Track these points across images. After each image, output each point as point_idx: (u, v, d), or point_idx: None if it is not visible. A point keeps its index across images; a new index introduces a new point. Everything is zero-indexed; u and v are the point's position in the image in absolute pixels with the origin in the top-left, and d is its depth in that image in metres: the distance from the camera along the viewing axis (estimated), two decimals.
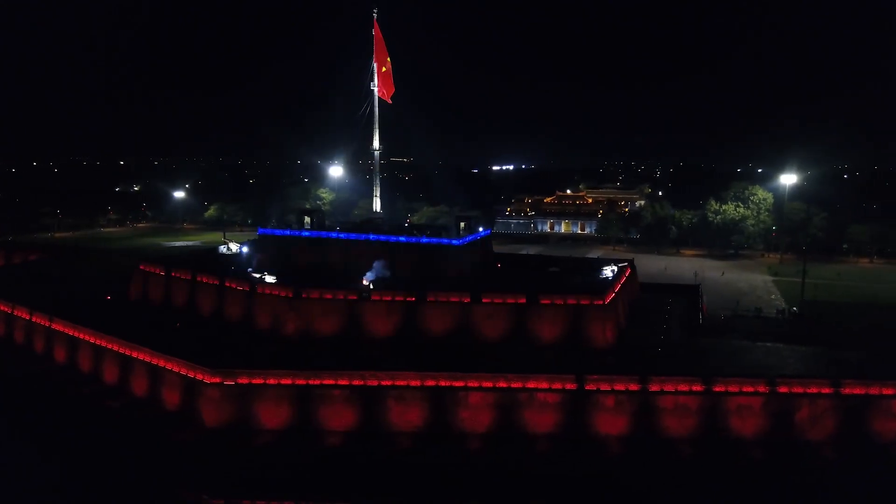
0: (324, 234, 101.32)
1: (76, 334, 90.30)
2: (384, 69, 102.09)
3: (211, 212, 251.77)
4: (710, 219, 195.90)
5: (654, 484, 64.04)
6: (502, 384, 71.14)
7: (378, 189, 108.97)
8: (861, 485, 62.55)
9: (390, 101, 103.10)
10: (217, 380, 72.19)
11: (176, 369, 75.67)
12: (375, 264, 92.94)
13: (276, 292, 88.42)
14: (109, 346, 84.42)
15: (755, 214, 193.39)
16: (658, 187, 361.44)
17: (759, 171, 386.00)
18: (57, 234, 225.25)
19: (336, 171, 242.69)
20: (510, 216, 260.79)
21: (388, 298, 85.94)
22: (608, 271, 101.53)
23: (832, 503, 62.00)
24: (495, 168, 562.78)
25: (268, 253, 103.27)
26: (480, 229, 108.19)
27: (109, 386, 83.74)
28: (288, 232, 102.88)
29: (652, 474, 65.15)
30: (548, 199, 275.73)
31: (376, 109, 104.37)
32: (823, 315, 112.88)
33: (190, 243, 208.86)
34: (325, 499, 64.09)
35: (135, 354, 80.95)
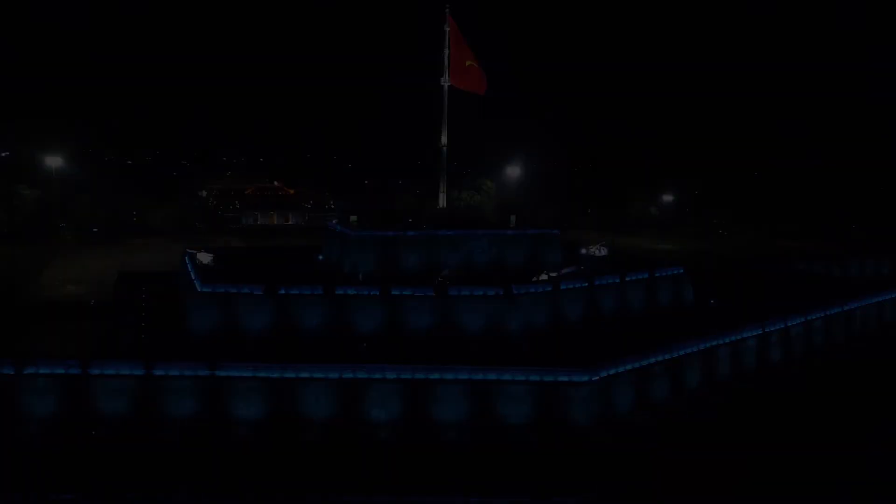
0: (429, 232, 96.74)
1: None
2: (468, 63, 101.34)
3: None
4: (457, 205, 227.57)
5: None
6: None
7: (444, 185, 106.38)
8: None
9: (483, 94, 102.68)
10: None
11: None
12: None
13: None
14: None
15: (489, 201, 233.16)
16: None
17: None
18: None
19: None
20: None
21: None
22: (603, 250, 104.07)
23: None
24: None
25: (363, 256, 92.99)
26: None
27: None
28: (391, 232, 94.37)
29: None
30: (249, 190, 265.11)
31: (446, 105, 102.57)
32: None
33: None
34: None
35: None
